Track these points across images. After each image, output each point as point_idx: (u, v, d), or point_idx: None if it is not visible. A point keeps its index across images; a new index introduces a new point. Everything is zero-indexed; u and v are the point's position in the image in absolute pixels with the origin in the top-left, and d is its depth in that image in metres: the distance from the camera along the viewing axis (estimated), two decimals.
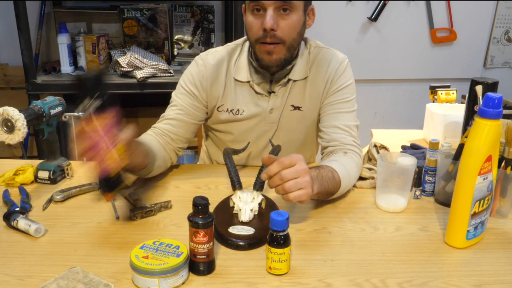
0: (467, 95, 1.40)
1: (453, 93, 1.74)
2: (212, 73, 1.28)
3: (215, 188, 1.24)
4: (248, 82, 1.28)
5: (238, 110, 1.30)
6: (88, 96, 0.90)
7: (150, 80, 2.36)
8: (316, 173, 1.05)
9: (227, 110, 1.31)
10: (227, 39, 2.74)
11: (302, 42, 1.29)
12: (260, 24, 1.15)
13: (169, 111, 1.30)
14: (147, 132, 1.29)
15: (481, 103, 1.15)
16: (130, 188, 1.18)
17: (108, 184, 0.96)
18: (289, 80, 1.27)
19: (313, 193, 1.00)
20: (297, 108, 1.31)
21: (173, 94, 1.32)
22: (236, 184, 1.09)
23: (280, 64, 1.22)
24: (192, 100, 1.29)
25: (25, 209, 1.08)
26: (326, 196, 1.12)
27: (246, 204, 1.04)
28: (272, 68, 1.24)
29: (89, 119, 0.88)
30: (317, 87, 1.29)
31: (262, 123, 1.32)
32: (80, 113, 0.90)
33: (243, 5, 1.22)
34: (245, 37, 1.31)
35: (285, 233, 0.86)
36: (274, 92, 1.28)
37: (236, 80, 1.29)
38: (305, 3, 1.19)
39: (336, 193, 1.13)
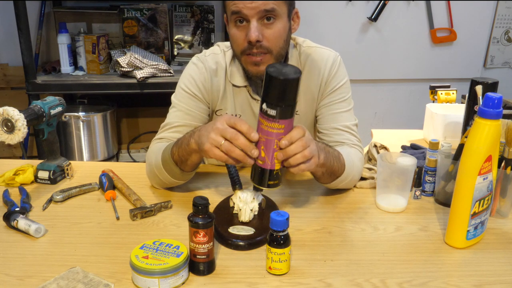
0: (467, 95, 1.40)
1: (453, 93, 1.74)
2: (212, 75, 1.26)
3: (215, 188, 1.24)
4: (245, 86, 1.25)
5: (236, 115, 1.29)
6: (269, 100, 0.88)
7: (150, 80, 2.36)
8: (322, 145, 1.07)
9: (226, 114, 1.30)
10: (227, 39, 2.74)
11: (291, 43, 1.26)
12: (244, 36, 1.12)
13: (174, 118, 1.25)
14: (157, 143, 1.22)
15: (481, 103, 1.15)
16: (129, 190, 1.18)
17: (265, 177, 0.95)
18: None
19: (319, 161, 1.01)
20: None
21: (174, 99, 1.27)
22: (236, 184, 1.09)
23: None
24: (196, 102, 1.26)
25: (25, 209, 1.08)
26: (331, 174, 1.12)
27: (246, 204, 1.04)
28: (261, 76, 1.23)
29: (264, 120, 0.90)
30: (311, 89, 1.27)
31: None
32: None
33: (225, 15, 1.19)
34: None
35: (285, 233, 0.86)
36: None
37: (233, 85, 1.27)
38: (288, 8, 1.15)
39: (341, 177, 1.13)
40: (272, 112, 0.87)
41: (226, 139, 0.94)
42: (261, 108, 0.90)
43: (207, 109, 1.29)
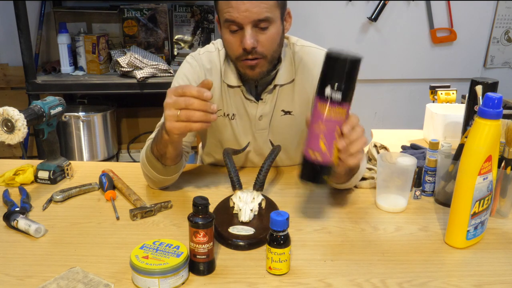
0: (467, 95, 1.40)
1: (453, 93, 1.74)
2: (207, 74, 1.26)
3: (215, 188, 1.24)
4: (239, 86, 1.25)
5: (233, 114, 1.29)
6: (335, 82, 0.84)
7: (150, 80, 2.36)
8: None
9: (224, 115, 1.29)
10: None
11: (284, 42, 1.25)
12: (239, 42, 1.11)
13: None
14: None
15: (481, 103, 1.15)
16: (129, 190, 1.19)
17: (322, 170, 0.90)
18: (275, 85, 1.25)
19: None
20: (287, 112, 1.28)
21: None
22: (236, 184, 1.09)
23: (264, 76, 1.20)
24: None
25: (25, 209, 1.08)
26: (347, 176, 1.11)
27: (246, 204, 1.04)
28: (257, 79, 1.22)
29: (326, 106, 0.85)
30: (306, 91, 1.27)
31: (253, 129, 1.31)
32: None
33: (216, 16, 1.17)
34: None
35: (285, 233, 0.86)
36: (262, 99, 1.26)
37: (227, 85, 1.26)
38: (281, 11, 1.15)
39: (354, 177, 1.13)
40: (337, 95, 0.84)
41: (182, 109, 0.94)
42: (321, 95, 0.86)
43: None
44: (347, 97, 0.86)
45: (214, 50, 1.29)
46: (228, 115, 1.29)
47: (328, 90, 0.85)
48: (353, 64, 0.85)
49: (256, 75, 1.18)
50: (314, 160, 0.89)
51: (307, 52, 1.27)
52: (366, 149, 1.44)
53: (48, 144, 1.27)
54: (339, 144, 0.89)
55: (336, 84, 0.84)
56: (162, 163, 1.12)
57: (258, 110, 1.27)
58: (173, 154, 1.10)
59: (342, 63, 0.84)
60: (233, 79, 1.25)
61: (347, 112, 0.88)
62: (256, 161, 1.37)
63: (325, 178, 0.90)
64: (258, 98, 1.27)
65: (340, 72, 0.85)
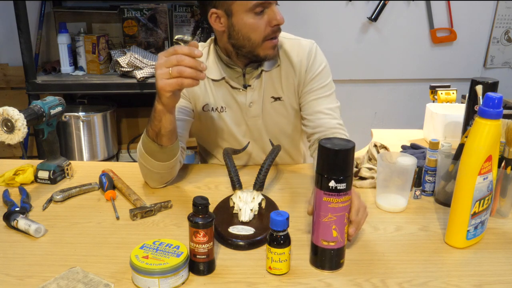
0: (467, 95, 1.40)
1: (453, 93, 1.73)
2: None
3: (215, 188, 1.24)
4: (223, 78, 1.29)
5: (222, 107, 1.32)
6: (338, 175, 0.85)
7: (150, 80, 2.36)
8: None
9: (212, 109, 1.32)
10: None
11: None
12: (266, 22, 1.18)
13: None
14: None
15: (481, 103, 1.15)
16: (129, 190, 1.18)
17: (339, 256, 0.90)
18: (262, 71, 1.29)
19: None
20: (277, 99, 1.32)
21: None
22: (236, 184, 1.09)
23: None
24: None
25: (25, 209, 1.08)
26: None
27: (246, 204, 1.04)
28: (244, 61, 1.27)
29: (333, 198, 0.86)
30: (291, 77, 1.30)
31: (245, 117, 1.33)
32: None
33: (218, 11, 1.18)
34: (210, 39, 1.32)
35: (285, 233, 0.86)
36: (250, 86, 1.30)
37: (212, 79, 1.30)
38: None
39: None
40: (342, 185, 0.85)
41: (173, 66, 0.99)
42: (325, 189, 0.86)
43: (189, 103, 1.31)
44: (349, 184, 0.87)
45: None
46: (217, 109, 1.32)
47: (332, 183, 0.85)
48: (351, 153, 0.85)
49: (276, 53, 1.25)
50: (328, 247, 0.89)
51: (288, 43, 1.31)
52: (365, 149, 1.44)
53: (48, 144, 1.27)
54: (350, 229, 0.91)
55: (339, 176, 0.85)
56: (158, 144, 1.12)
57: (247, 97, 1.30)
58: (168, 129, 1.11)
59: (341, 155, 0.84)
60: (216, 73, 1.29)
61: (352, 196, 0.89)
62: (255, 154, 1.38)
63: (342, 261, 0.91)
64: (245, 86, 1.30)
65: (340, 164, 0.85)
